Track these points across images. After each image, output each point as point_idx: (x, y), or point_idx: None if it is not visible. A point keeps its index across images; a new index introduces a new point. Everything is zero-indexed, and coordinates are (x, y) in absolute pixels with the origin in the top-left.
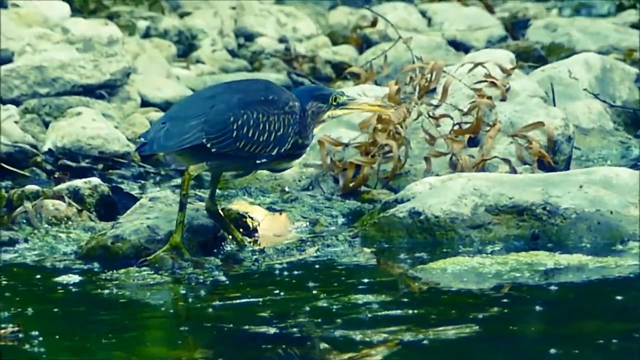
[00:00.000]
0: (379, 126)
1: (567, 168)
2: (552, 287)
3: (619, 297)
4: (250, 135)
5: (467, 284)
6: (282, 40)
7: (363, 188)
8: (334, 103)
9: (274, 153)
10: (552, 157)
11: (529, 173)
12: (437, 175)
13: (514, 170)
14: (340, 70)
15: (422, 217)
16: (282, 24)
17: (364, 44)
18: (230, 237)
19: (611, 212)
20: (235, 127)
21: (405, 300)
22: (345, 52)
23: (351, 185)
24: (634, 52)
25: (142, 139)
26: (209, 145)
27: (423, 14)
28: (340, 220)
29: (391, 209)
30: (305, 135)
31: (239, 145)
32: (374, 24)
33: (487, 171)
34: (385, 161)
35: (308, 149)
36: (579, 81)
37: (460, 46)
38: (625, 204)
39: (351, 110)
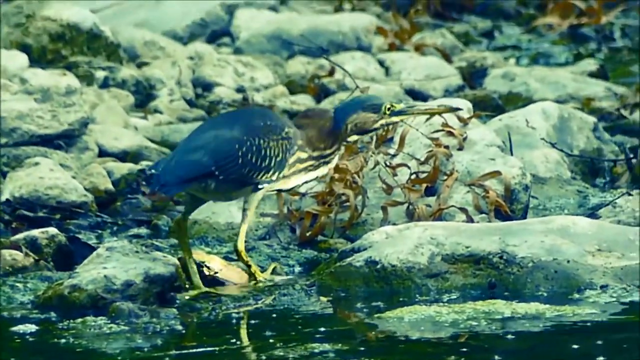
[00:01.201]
0: (336, 175)
1: (524, 217)
2: (510, 336)
3: (575, 346)
4: (254, 161)
5: (424, 332)
6: (239, 89)
7: (320, 237)
8: (387, 112)
9: (274, 178)
10: (509, 206)
11: (486, 222)
12: (394, 224)
13: (470, 220)
14: None
15: (378, 266)
16: (239, 74)
17: (321, 94)
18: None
19: (568, 261)
20: (240, 153)
21: (362, 349)
22: (303, 102)
23: (308, 234)
24: (592, 101)
25: (152, 171)
26: (217, 173)
27: (381, 63)
28: (297, 269)
29: (348, 258)
30: (326, 147)
31: (244, 171)
32: (331, 73)
33: (444, 220)
34: (342, 210)
35: (334, 160)
36: (536, 130)
37: (418, 95)
38: (582, 253)
39: (410, 116)
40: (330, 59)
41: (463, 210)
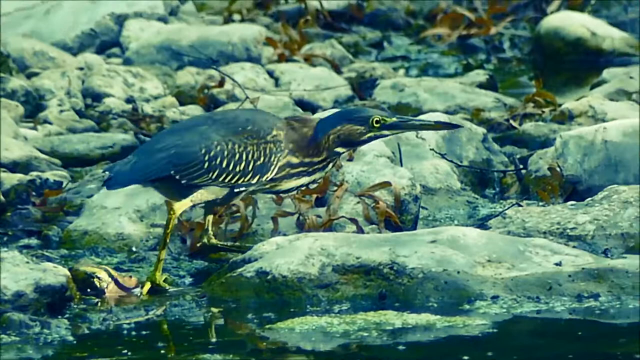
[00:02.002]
0: None
1: (414, 228)
2: (400, 347)
3: (466, 357)
4: (224, 165)
5: (315, 343)
6: (129, 100)
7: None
8: (376, 125)
9: (254, 181)
10: (399, 217)
11: (376, 233)
12: (285, 235)
13: (361, 230)
14: None
15: (269, 277)
16: (129, 84)
17: (211, 104)
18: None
19: (458, 272)
20: (206, 158)
21: (253, 359)
22: (192, 112)
23: (199, 245)
24: (481, 112)
25: (107, 173)
26: (177, 177)
27: (270, 74)
28: (188, 280)
29: (239, 268)
30: (313, 155)
31: (211, 175)
32: (221, 84)
33: (334, 231)
34: (232, 221)
35: (328, 167)
36: (425, 141)
37: (307, 106)
38: (472, 264)
39: (404, 130)
40: (219, 70)
41: (353, 220)
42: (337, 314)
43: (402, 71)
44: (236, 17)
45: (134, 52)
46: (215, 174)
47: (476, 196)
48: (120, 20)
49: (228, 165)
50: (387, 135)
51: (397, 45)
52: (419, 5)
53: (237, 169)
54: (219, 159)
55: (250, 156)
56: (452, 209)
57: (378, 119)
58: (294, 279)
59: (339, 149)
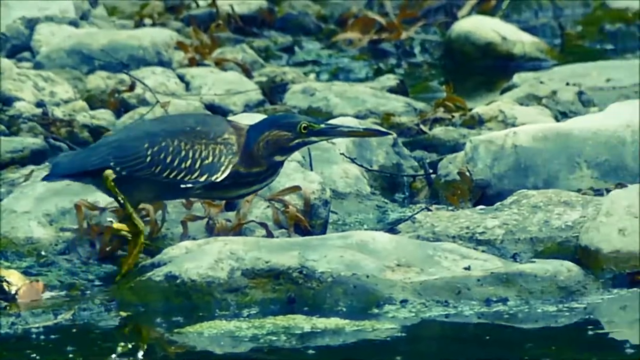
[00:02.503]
0: None
1: (324, 232)
2: (310, 351)
3: None
4: (168, 161)
5: (224, 347)
6: (39, 104)
7: (120, 252)
8: (304, 131)
9: (202, 179)
10: (309, 221)
11: (286, 237)
12: (194, 239)
13: (270, 234)
14: (98, 135)
15: (178, 281)
16: (39, 88)
17: (122, 108)
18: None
19: (367, 276)
20: (150, 152)
21: None
22: (103, 116)
23: (108, 249)
24: (392, 117)
25: (47, 163)
26: (117, 169)
27: (181, 78)
28: (97, 284)
29: (148, 272)
30: (253, 165)
31: (154, 170)
32: (132, 88)
33: (244, 235)
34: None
35: (275, 176)
36: (336, 145)
37: (218, 110)
38: (382, 268)
39: (332, 137)
40: (130, 74)
41: (263, 225)
42: (246, 318)
43: (312, 75)
44: (147, 21)
45: (44, 56)
46: (159, 169)
47: (386, 200)
48: (31, 24)
49: (172, 161)
50: (315, 142)
51: (308, 49)
52: (330, 9)
53: (183, 166)
54: (162, 154)
55: (197, 154)
56: (362, 213)
57: (306, 125)
58: (203, 283)
59: (278, 157)
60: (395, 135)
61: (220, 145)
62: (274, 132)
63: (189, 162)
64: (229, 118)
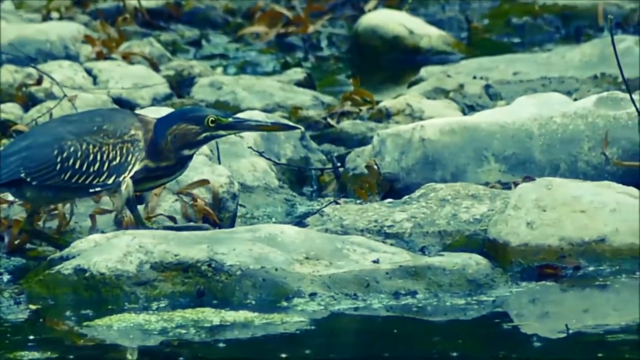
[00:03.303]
0: None
1: (232, 225)
2: (219, 344)
3: (283, 355)
4: (77, 166)
5: (133, 340)
6: None
7: (29, 245)
8: (212, 125)
9: (110, 182)
10: (218, 215)
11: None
12: (103, 232)
13: None
14: (6, 129)
15: (87, 274)
16: None
17: (29, 102)
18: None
19: (276, 269)
20: (59, 159)
21: (71, 357)
22: (11, 110)
23: (17, 242)
24: (299, 110)
25: None
26: (28, 180)
27: (88, 72)
28: (6, 277)
29: (57, 266)
30: (162, 159)
31: (64, 177)
32: (39, 82)
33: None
34: (50, 219)
35: (184, 169)
36: (243, 139)
37: (125, 104)
38: (290, 261)
39: (240, 131)
40: (37, 68)
41: (171, 218)
42: (155, 311)
43: (220, 69)
44: (54, 15)
45: None
46: (68, 175)
47: (294, 194)
48: None
49: (81, 166)
50: (223, 136)
51: (215, 43)
52: (237, 3)
53: (91, 170)
54: (71, 160)
55: (105, 156)
56: (270, 206)
57: (214, 119)
58: (112, 277)
59: (186, 152)
60: (302, 129)
61: (127, 144)
62: (181, 126)
63: (97, 166)
64: (137, 111)
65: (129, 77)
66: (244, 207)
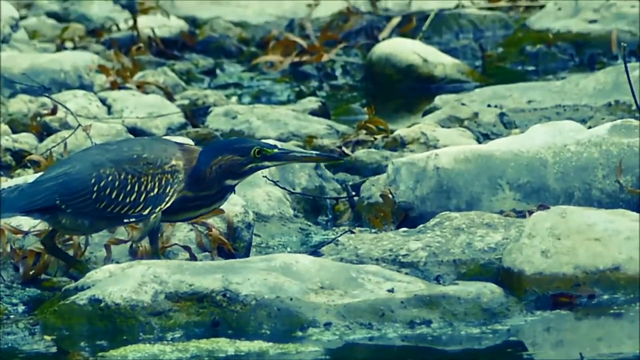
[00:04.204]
0: None
1: (247, 255)
2: None
3: None
4: (114, 196)
5: None
6: None
7: (44, 276)
8: (257, 156)
9: (145, 212)
10: (232, 244)
11: (209, 260)
12: (118, 262)
13: (194, 258)
14: (20, 158)
15: (102, 305)
16: None
17: (44, 132)
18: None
19: (291, 299)
20: (96, 188)
21: None
22: (26, 140)
23: (32, 273)
24: (314, 139)
25: None
26: (63, 207)
27: (103, 101)
28: (21, 308)
29: (71, 296)
30: (203, 189)
31: (99, 206)
32: (54, 111)
33: (167, 258)
34: (65, 249)
35: (224, 201)
36: None
37: (140, 133)
38: (305, 291)
39: (285, 162)
40: (52, 97)
41: (186, 248)
42: (170, 342)
43: (234, 98)
44: (68, 44)
45: None
46: (103, 204)
47: (309, 223)
48: None
49: (118, 195)
50: (268, 166)
51: (230, 72)
52: (251, 32)
53: (127, 200)
54: (108, 189)
55: (143, 187)
56: (285, 236)
57: (259, 150)
58: (127, 307)
59: (229, 182)
60: (345, 160)
61: (167, 175)
62: (227, 157)
63: (134, 196)
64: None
65: (143, 107)
66: (259, 236)
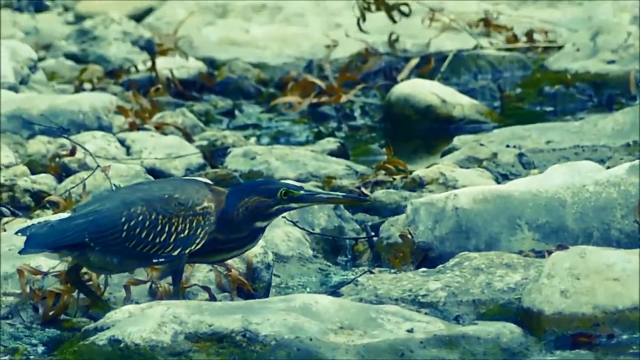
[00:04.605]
0: None
1: (267, 295)
2: None
3: None
4: (144, 235)
5: None
6: None
7: (63, 316)
8: (284, 197)
9: (175, 254)
10: (252, 285)
11: (229, 300)
12: (137, 303)
13: (213, 298)
14: (39, 199)
15: (122, 345)
16: None
17: (63, 173)
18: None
19: (310, 339)
20: (126, 227)
21: None
22: (44, 181)
23: (51, 313)
24: (333, 180)
25: (20, 235)
26: (92, 244)
27: (122, 142)
28: (41, 349)
29: (91, 336)
30: (233, 231)
31: (128, 245)
32: (72, 152)
33: (186, 299)
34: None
35: (255, 243)
36: None
37: (159, 174)
38: (325, 331)
39: (311, 204)
40: (70, 139)
41: (206, 288)
42: None
43: (253, 139)
44: (87, 85)
45: None
46: (133, 243)
47: (328, 264)
48: None
49: (148, 235)
50: (294, 208)
51: (248, 113)
52: (270, 73)
53: (157, 240)
54: (138, 229)
55: (174, 228)
56: (305, 276)
57: (286, 191)
58: (147, 347)
59: (259, 224)
60: (371, 201)
61: (198, 216)
62: (253, 199)
63: (164, 237)
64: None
65: (162, 148)
66: (278, 276)
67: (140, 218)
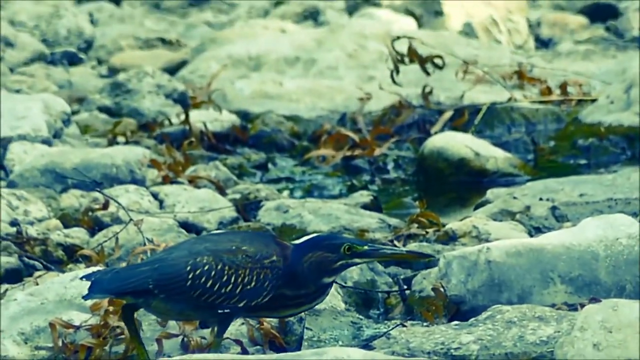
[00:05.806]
0: (111, 308)
1: (299, 349)
2: None
3: None
4: (209, 285)
5: None
6: (13, 223)
7: None
8: (348, 252)
9: (240, 305)
10: (284, 338)
11: (261, 354)
12: (169, 356)
13: (245, 351)
14: (72, 253)
15: None
16: (13, 207)
17: (95, 227)
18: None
19: None
20: (191, 276)
21: None
22: (77, 235)
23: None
24: (366, 233)
25: (84, 280)
26: (156, 292)
27: (155, 196)
28: None
29: None
30: (300, 286)
31: (193, 294)
32: (105, 206)
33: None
34: (117, 343)
35: (324, 297)
36: None
37: (192, 228)
38: None
39: (375, 259)
40: (103, 192)
41: (238, 342)
42: None
43: (286, 193)
44: (120, 139)
45: (17, 175)
46: (198, 292)
47: (360, 317)
48: (4, 143)
49: (213, 285)
50: (358, 263)
51: (282, 166)
52: (303, 126)
53: (223, 291)
54: (204, 278)
55: (240, 279)
56: (337, 329)
57: (349, 247)
58: None
59: (325, 279)
60: (435, 257)
61: (266, 269)
62: (317, 254)
63: (229, 288)
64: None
65: (195, 201)
66: (310, 330)
67: (206, 267)
